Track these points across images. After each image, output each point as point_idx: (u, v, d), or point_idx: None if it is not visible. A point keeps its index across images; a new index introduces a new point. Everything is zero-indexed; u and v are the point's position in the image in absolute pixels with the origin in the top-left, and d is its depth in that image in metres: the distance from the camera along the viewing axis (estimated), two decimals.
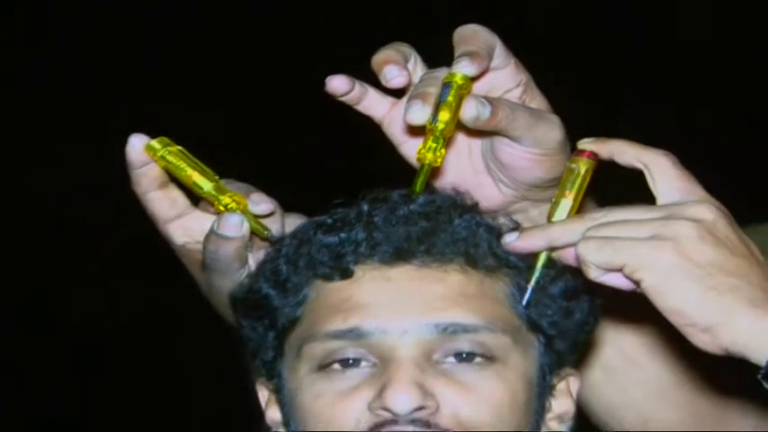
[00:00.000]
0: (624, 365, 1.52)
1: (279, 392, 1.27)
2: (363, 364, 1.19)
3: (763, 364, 1.11)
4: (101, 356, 4.94)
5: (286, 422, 1.26)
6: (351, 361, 1.19)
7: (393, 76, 1.26)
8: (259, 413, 1.36)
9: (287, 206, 1.38)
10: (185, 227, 1.34)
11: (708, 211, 1.17)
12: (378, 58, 1.28)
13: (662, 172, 1.21)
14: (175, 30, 5.46)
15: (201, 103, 5.33)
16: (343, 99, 1.32)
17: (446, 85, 1.24)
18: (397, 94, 1.33)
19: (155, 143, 1.30)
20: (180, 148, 1.29)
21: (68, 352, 5.01)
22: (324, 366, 1.18)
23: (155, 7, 5.40)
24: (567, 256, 1.20)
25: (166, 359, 5.00)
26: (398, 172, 1.35)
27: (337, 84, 1.29)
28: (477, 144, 1.35)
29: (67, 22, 6.31)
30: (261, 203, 1.28)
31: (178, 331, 5.01)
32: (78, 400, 4.95)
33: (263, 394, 1.30)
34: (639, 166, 1.22)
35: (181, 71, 5.90)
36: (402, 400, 1.13)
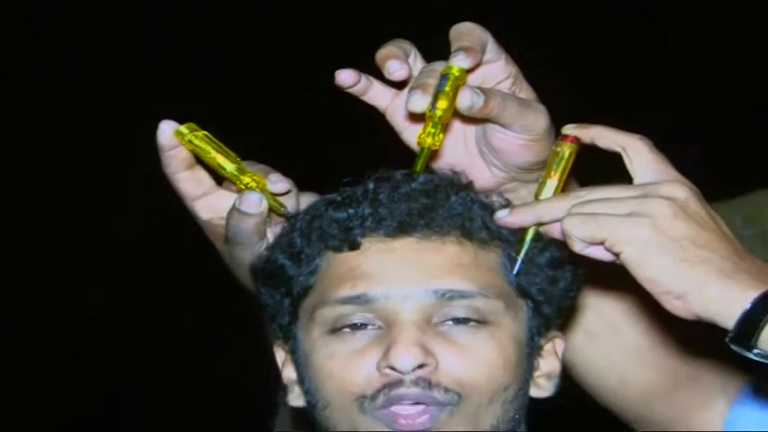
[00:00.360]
0: (605, 330, 1.57)
1: (294, 353, 1.34)
2: (370, 327, 1.26)
3: (731, 328, 1.18)
4: (101, 356, 4.89)
5: (300, 380, 1.32)
6: (359, 324, 1.26)
7: (395, 69, 1.34)
8: (276, 373, 1.41)
9: (300, 185, 1.43)
10: (210, 204, 1.42)
11: (680, 190, 1.24)
12: (381, 53, 1.35)
13: (638, 155, 1.28)
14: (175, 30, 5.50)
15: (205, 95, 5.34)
16: (350, 91, 1.39)
17: (444, 77, 1.31)
18: (399, 85, 1.40)
19: (183, 128, 1.36)
20: (205, 132, 1.36)
21: (68, 351, 4.98)
22: (335, 330, 1.26)
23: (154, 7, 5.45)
24: (554, 231, 1.27)
25: (166, 359, 4.96)
26: (399, 155, 1.41)
27: (345, 77, 1.36)
28: (471, 130, 1.41)
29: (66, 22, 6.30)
30: (278, 183, 1.37)
31: (178, 331, 4.99)
32: (78, 399, 4.92)
33: (280, 355, 1.37)
34: (618, 149, 1.29)
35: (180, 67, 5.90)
36: (406, 358, 1.21)
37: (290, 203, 1.39)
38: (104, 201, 5.40)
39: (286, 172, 1.42)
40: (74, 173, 6.30)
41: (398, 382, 1.23)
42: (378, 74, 1.40)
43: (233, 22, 5.71)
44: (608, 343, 1.60)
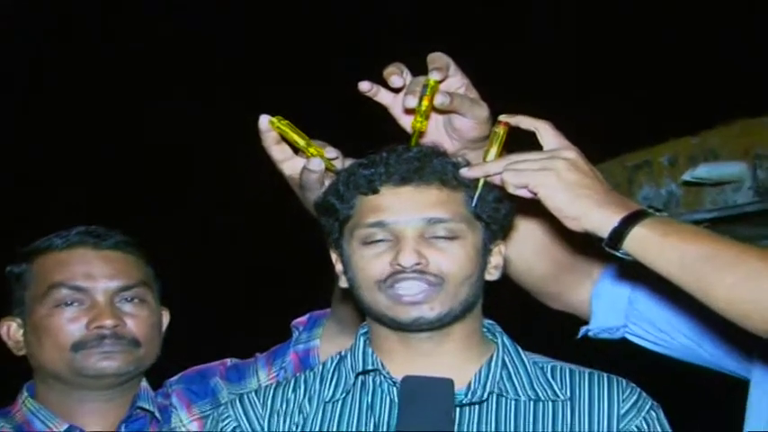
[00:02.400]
0: (525, 237, 1.86)
1: (342, 256, 1.66)
2: (386, 240, 1.58)
3: (605, 237, 1.54)
4: None
5: (345, 272, 1.66)
6: (379, 239, 1.58)
7: (395, 81, 1.69)
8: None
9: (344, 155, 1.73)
10: (291, 165, 1.77)
11: (572, 153, 1.59)
12: (387, 71, 1.69)
13: (545, 132, 1.63)
14: None
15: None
16: (367, 94, 1.73)
17: (425, 86, 1.66)
18: (398, 91, 1.73)
19: (273, 119, 1.72)
20: (287, 122, 1.72)
21: None
22: (365, 242, 1.60)
23: None
24: (495, 180, 1.61)
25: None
26: (400, 136, 1.73)
27: (365, 86, 1.72)
28: (441, 118, 1.74)
29: None
30: (331, 152, 1.72)
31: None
32: None
33: (334, 257, 1.69)
34: (533, 129, 1.64)
35: None
36: (408, 258, 1.55)
37: (338, 164, 1.71)
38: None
39: (337, 146, 1.75)
40: None
41: (402, 272, 1.55)
42: (384, 84, 1.72)
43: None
44: (524, 246, 1.87)
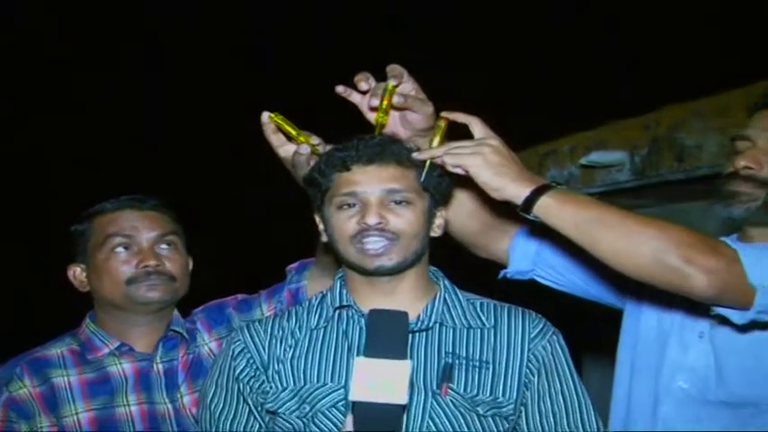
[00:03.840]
0: (459, 203, 1.84)
1: (323, 218, 1.65)
2: (356, 206, 1.58)
3: (520, 205, 1.55)
4: None
5: (325, 229, 1.65)
6: (351, 204, 1.58)
7: (363, 85, 1.70)
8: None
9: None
10: (286, 150, 1.76)
11: (496, 141, 1.60)
12: (356, 78, 1.69)
13: (476, 125, 1.63)
14: None
15: None
16: (342, 95, 1.72)
17: (385, 89, 1.67)
18: (364, 93, 1.72)
19: (272, 114, 1.73)
20: (283, 116, 1.72)
21: None
22: (341, 207, 1.59)
23: None
24: (439, 161, 1.60)
25: None
26: (366, 127, 1.71)
27: (340, 89, 1.72)
28: (398, 114, 1.73)
29: None
30: (315, 139, 1.72)
31: None
32: None
33: (318, 219, 1.68)
34: (467, 122, 1.64)
35: None
36: (372, 218, 1.55)
37: (320, 149, 1.71)
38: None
39: (321, 135, 1.74)
40: None
41: (368, 230, 1.55)
42: (355, 87, 1.71)
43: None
44: (460, 210, 1.86)
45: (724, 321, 1.56)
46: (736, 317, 1.51)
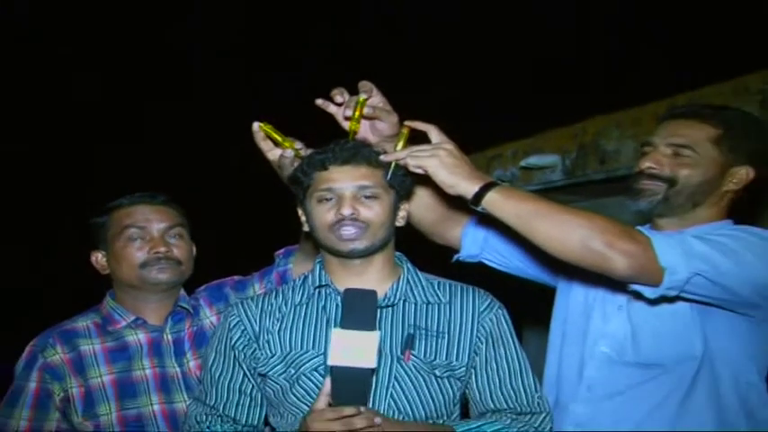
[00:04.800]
0: (419, 198, 1.81)
1: (305, 211, 1.62)
2: (332, 200, 1.55)
3: (470, 199, 1.53)
4: None
5: (307, 221, 1.62)
6: (328, 198, 1.56)
7: (338, 98, 1.68)
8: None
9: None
10: (273, 153, 1.73)
11: (450, 145, 1.56)
12: (332, 92, 1.67)
13: (433, 131, 1.60)
14: None
15: None
16: (321, 107, 1.70)
17: (357, 102, 1.65)
18: (340, 105, 1.70)
19: (261, 124, 1.71)
20: (271, 125, 1.71)
21: None
22: (320, 201, 1.57)
23: None
24: (402, 163, 1.58)
25: None
26: (342, 134, 1.68)
27: (319, 102, 1.70)
28: (368, 122, 1.70)
29: None
30: (298, 145, 1.70)
31: None
32: None
33: (300, 213, 1.65)
34: (425, 129, 1.60)
35: None
36: (347, 210, 1.53)
37: (303, 153, 1.69)
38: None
39: (302, 140, 1.72)
40: None
41: (343, 220, 1.53)
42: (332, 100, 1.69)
43: None
44: (420, 203, 1.83)
45: (638, 296, 1.56)
46: (649, 292, 1.51)
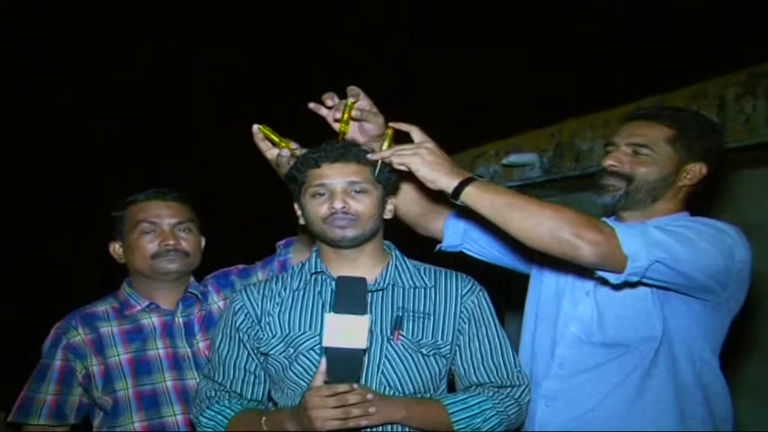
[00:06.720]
0: (404, 192, 1.80)
1: (301, 205, 1.59)
2: (325, 194, 1.53)
3: (450, 193, 1.50)
4: None
5: (303, 214, 1.59)
6: (321, 194, 1.53)
7: (329, 102, 1.65)
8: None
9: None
10: (271, 152, 1.71)
11: (431, 144, 1.53)
12: (323, 96, 1.65)
13: (415, 131, 1.56)
14: None
15: None
16: (313, 110, 1.67)
17: (345, 105, 1.62)
18: (330, 108, 1.67)
19: (260, 126, 1.69)
20: (270, 128, 1.69)
21: None
22: (314, 196, 1.55)
23: None
24: (388, 161, 1.55)
25: None
26: (333, 134, 1.66)
27: (311, 105, 1.66)
28: (356, 124, 1.67)
29: None
30: (294, 145, 1.68)
31: None
32: None
33: (296, 207, 1.61)
34: (408, 130, 1.56)
35: None
36: (338, 204, 1.51)
37: (298, 152, 1.67)
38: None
39: (298, 140, 1.70)
40: None
41: (335, 212, 1.50)
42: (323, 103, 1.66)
43: None
44: (405, 198, 1.81)
45: (604, 282, 1.54)
46: (613, 278, 1.49)
